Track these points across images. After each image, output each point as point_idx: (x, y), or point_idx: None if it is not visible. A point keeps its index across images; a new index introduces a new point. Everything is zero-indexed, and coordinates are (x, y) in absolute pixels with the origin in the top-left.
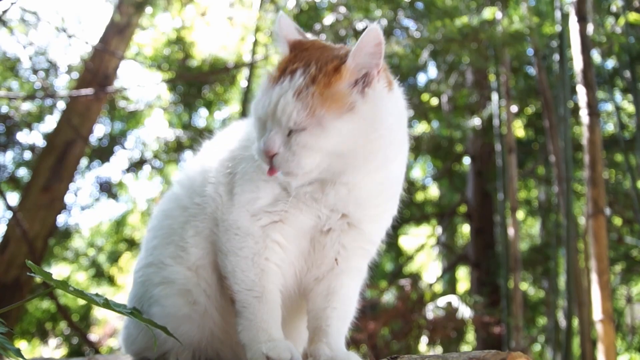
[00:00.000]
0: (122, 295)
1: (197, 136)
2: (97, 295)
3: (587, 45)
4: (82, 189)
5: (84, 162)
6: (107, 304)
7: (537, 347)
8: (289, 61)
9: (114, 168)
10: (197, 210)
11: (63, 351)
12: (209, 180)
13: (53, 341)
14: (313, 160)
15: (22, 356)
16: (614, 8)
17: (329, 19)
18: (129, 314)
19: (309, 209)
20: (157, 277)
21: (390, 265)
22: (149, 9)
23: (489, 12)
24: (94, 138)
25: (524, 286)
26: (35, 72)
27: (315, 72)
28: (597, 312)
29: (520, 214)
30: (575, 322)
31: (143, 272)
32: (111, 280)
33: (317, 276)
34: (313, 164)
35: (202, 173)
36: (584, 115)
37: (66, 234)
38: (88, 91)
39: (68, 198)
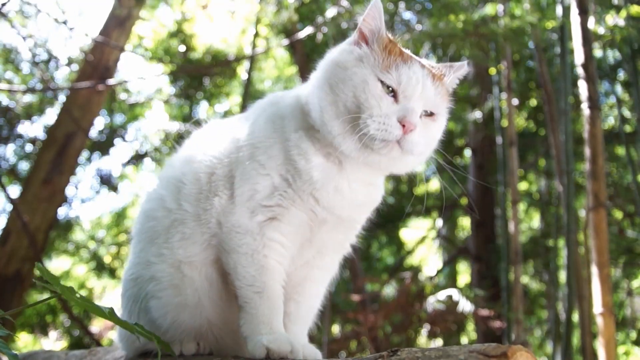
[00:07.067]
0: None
1: (197, 129)
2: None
3: (588, 38)
4: (82, 181)
5: (84, 154)
6: (113, 315)
7: (537, 340)
8: (401, 50)
9: (114, 160)
10: (185, 216)
11: (64, 343)
12: (216, 193)
13: (54, 333)
14: (432, 147)
15: None
16: (615, 1)
17: (331, 12)
18: (132, 327)
19: (304, 204)
20: (147, 274)
21: (391, 258)
22: (149, 1)
23: (490, 7)
24: (94, 131)
25: (525, 279)
26: (35, 64)
27: (430, 72)
28: (597, 305)
29: (521, 207)
30: (576, 315)
31: (133, 270)
32: (112, 273)
33: (295, 268)
34: (430, 150)
35: (195, 182)
36: (585, 108)
37: (67, 226)
38: (88, 84)
39: (69, 191)
